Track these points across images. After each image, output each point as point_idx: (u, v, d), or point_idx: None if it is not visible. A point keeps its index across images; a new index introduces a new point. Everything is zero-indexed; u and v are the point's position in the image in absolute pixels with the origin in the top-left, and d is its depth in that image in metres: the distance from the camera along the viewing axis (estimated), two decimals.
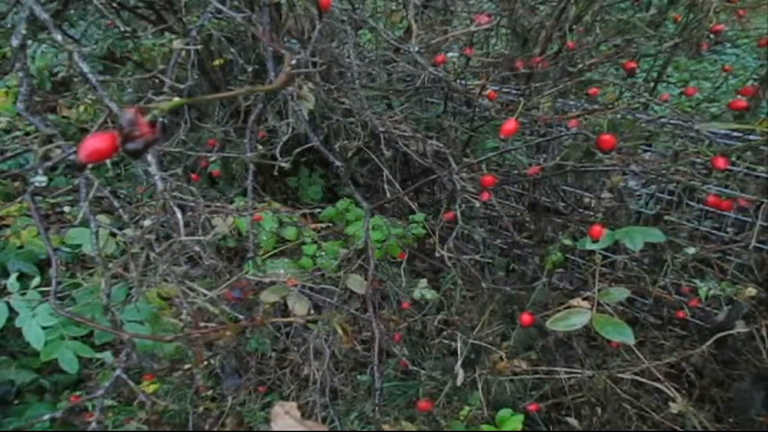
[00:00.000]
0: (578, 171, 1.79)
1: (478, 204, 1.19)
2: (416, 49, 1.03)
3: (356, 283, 1.35)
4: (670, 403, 1.70)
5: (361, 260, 1.51)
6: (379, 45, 2.07)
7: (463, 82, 1.79)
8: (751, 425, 1.73)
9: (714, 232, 2.00)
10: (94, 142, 0.33)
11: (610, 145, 0.95)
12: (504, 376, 1.75)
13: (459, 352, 1.66)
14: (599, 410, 1.89)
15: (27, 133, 1.97)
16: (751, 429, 1.75)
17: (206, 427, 1.90)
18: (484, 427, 1.40)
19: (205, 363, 1.74)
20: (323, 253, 1.75)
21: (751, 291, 1.63)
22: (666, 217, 2.00)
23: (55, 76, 2.56)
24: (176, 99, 0.37)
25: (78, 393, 1.98)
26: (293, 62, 0.55)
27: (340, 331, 1.02)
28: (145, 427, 1.79)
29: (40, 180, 0.68)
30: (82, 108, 2.50)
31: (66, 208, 2.29)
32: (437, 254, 1.31)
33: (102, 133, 0.34)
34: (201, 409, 1.95)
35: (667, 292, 1.86)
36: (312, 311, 1.22)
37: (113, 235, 1.14)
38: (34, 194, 0.79)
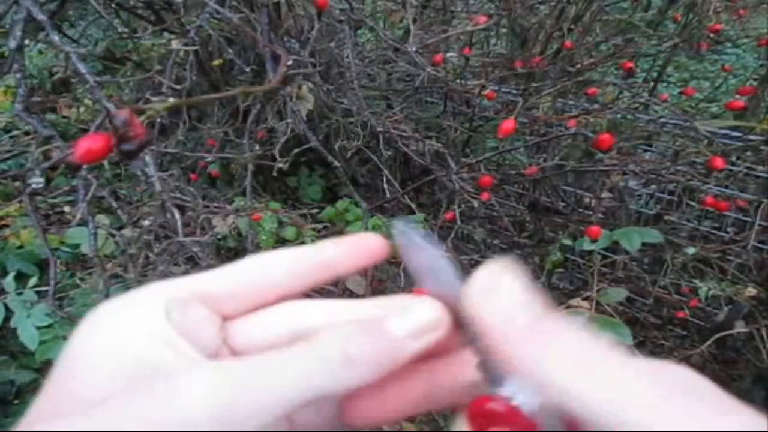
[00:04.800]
0: (578, 171, 1.79)
1: (476, 204, 1.19)
2: (414, 49, 1.03)
3: (355, 284, 1.35)
4: None
5: None
6: (379, 45, 2.07)
7: (463, 81, 1.79)
8: None
9: (714, 232, 2.00)
10: (89, 143, 0.33)
11: (608, 145, 0.95)
12: None
13: None
14: None
15: (27, 133, 1.97)
16: None
17: None
18: None
19: None
20: None
21: (751, 291, 1.62)
22: (666, 217, 2.00)
23: (53, 76, 2.56)
24: (171, 100, 0.37)
25: None
26: (289, 63, 0.55)
27: None
28: None
29: (37, 182, 0.68)
30: (82, 108, 2.50)
31: (66, 208, 2.29)
32: None
33: (97, 134, 0.34)
34: None
35: (667, 292, 1.85)
36: None
37: (112, 235, 1.14)
38: (33, 194, 0.79)
